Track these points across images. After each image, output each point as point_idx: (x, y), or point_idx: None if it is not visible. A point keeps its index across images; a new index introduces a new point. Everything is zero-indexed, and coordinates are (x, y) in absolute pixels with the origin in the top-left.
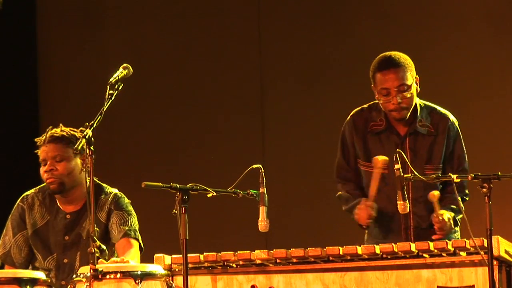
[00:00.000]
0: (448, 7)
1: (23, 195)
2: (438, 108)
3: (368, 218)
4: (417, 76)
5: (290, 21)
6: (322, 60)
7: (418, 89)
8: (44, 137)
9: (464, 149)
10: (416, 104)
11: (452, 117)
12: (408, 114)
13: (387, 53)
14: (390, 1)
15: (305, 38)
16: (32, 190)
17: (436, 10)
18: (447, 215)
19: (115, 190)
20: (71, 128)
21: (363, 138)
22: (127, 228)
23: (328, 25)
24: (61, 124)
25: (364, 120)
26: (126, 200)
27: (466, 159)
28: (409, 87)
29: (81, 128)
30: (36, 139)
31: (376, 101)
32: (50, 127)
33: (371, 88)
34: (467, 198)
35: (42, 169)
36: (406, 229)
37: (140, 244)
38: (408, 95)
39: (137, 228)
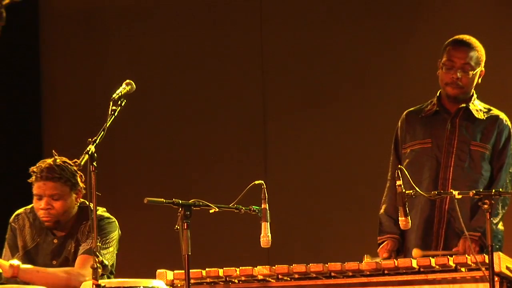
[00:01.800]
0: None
1: (14, 213)
2: (494, 109)
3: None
4: (483, 69)
5: (293, 37)
6: (325, 76)
7: (479, 81)
8: (40, 171)
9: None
10: (473, 96)
11: (507, 118)
12: (461, 97)
13: (467, 35)
14: (394, 15)
15: (308, 53)
16: (23, 210)
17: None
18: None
19: (100, 212)
20: (65, 160)
21: (414, 125)
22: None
23: (332, 40)
24: (56, 155)
25: (416, 114)
26: (108, 220)
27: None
28: (473, 69)
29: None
30: (31, 171)
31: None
32: (54, 158)
33: (372, 105)
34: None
35: (37, 204)
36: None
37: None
38: (469, 75)
39: (108, 263)
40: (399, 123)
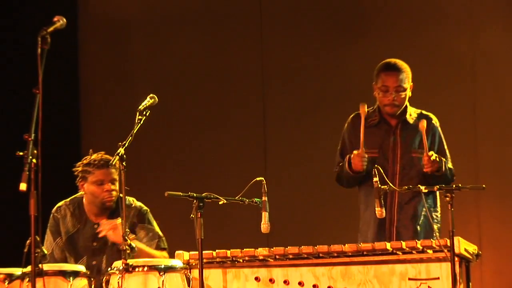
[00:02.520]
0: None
1: (56, 206)
2: (424, 112)
3: (362, 162)
4: (412, 84)
5: (292, 39)
6: (322, 78)
7: (410, 94)
8: (100, 161)
9: (445, 145)
10: (407, 106)
11: (435, 119)
12: (398, 112)
13: (393, 59)
14: (391, 22)
15: (306, 56)
16: (63, 202)
17: None
18: (435, 155)
19: (137, 203)
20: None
21: (359, 132)
22: (157, 241)
23: (330, 43)
24: (93, 151)
25: (360, 120)
26: (146, 210)
27: (447, 151)
28: (405, 89)
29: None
30: (87, 162)
31: (372, 108)
32: (99, 153)
33: (372, 102)
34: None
35: (99, 189)
36: (392, 203)
37: (166, 248)
38: (402, 96)
39: (161, 234)
40: (346, 126)
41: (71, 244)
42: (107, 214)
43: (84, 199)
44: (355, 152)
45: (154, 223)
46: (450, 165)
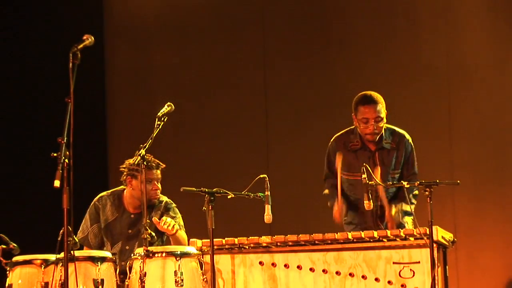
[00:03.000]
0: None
1: (99, 195)
2: (397, 129)
3: (340, 218)
4: (386, 111)
5: (293, 42)
6: (321, 80)
7: (385, 120)
8: (152, 162)
9: (415, 158)
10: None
11: (407, 136)
12: (378, 137)
13: (368, 92)
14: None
15: (307, 58)
16: (105, 193)
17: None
18: (394, 209)
19: (166, 199)
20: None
21: (345, 154)
22: (178, 228)
23: (328, 49)
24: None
25: (343, 142)
26: (174, 205)
27: (416, 166)
28: (382, 119)
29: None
30: (137, 162)
31: (352, 127)
32: (147, 155)
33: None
34: (417, 192)
35: (149, 186)
36: (376, 216)
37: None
38: (381, 125)
39: (182, 224)
40: (331, 147)
41: (109, 230)
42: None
43: (125, 192)
44: (335, 206)
45: (178, 215)
46: (415, 191)
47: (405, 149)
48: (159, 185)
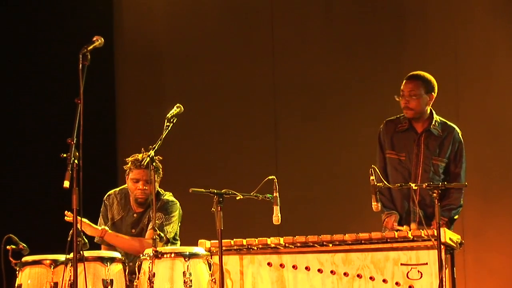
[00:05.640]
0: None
1: (107, 194)
2: (449, 122)
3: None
4: (433, 94)
5: (302, 44)
6: (328, 84)
7: (430, 103)
8: (139, 162)
9: (463, 159)
10: (433, 115)
11: (457, 129)
12: (416, 115)
13: (419, 71)
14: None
15: (315, 63)
16: (113, 191)
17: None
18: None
19: (168, 196)
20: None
21: (391, 136)
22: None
23: (337, 49)
24: (145, 151)
25: (393, 124)
26: (173, 204)
27: (464, 169)
28: (418, 95)
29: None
30: (130, 160)
31: (403, 114)
32: (143, 153)
33: (370, 109)
34: (457, 217)
35: (135, 186)
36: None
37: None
38: (415, 100)
39: (168, 229)
40: (381, 129)
41: (115, 229)
42: (146, 206)
43: None
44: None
45: (174, 214)
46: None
47: (453, 141)
48: (148, 187)
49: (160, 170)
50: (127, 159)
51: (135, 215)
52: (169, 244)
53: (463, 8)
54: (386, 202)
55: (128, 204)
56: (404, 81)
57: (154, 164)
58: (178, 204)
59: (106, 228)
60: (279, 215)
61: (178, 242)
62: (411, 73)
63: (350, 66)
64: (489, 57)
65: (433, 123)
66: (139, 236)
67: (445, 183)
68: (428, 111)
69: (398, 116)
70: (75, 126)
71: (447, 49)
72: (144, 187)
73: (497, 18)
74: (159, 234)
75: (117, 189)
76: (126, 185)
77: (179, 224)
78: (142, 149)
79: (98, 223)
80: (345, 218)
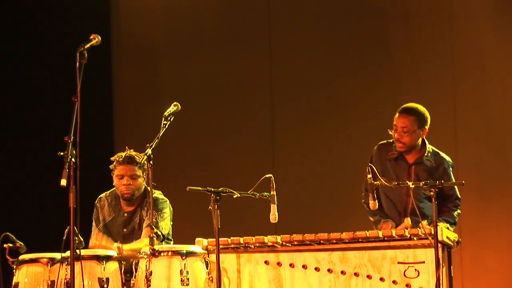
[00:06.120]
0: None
1: (98, 197)
2: (442, 153)
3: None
4: (426, 128)
5: (299, 43)
6: (325, 84)
7: (423, 136)
8: (122, 158)
9: (452, 175)
10: (426, 146)
11: (448, 158)
12: (407, 149)
13: (412, 104)
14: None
15: (312, 62)
16: (104, 194)
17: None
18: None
19: (158, 194)
20: (137, 153)
21: (383, 162)
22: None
23: (334, 50)
24: (129, 149)
25: (385, 150)
26: (163, 201)
27: (457, 189)
28: (411, 131)
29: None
30: (114, 158)
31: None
32: (127, 151)
33: (367, 108)
34: (459, 207)
35: (119, 182)
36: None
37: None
38: (407, 136)
39: (164, 219)
40: (373, 153)
41: (107, 230)
42: (136, 205)
43: None
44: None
45: (166, 211)
46: (456, 213)
47: (443, 171)
48: (135, 182)
49: (145, 166)
50: (111, 158)
51: (125, 214)
52: (164, 242)
53: (461, 6)
54: (382, 215)
55: (119, 205)
56: (397, 114)
57: (151, 162)
58: (168, 201)
59: (119, 245)
60: (276, 213)
61: (172, 242)
62: (404, 107)
63: (348, 65)
64: (486, 56)
65: (426, 154)
66: (131, 235)
67: (442, 181)
68: (420, 141)
69: (391, 141)
70: (72, 124)
71: (444, 48)
72: (129, 183)
73: (495, 16)
74: (156, 232)
75: (108, 192)
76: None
77: (171, 222)
78: (126, 147)
79: (93, 226)
80: (342, 216)
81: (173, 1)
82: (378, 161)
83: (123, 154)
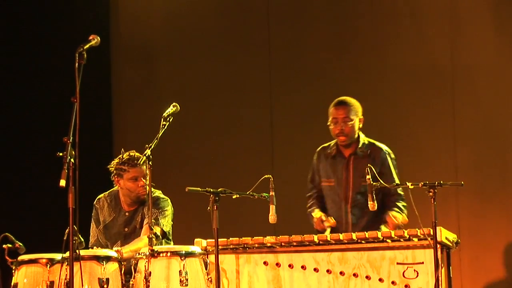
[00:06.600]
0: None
1: (97, 197)
2: (378, 143)
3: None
4: (362, 117)
5: (298, 43)
6: (327, 81)
7: (361, 126)
8: (134, 160)
9: (394, 173)
10: (359, 137)
11: (385, 148)
12: (349, 141)
13: (343, 97)
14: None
15: (311, 60)
16: (102, 195)
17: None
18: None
19: (158, 193)
20: (139, 154)
21: (323, 163)
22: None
23: (333, 49)
24: (125, 151)
25: (323, 152)
26: (164, 199)
27: (395, 177)
28: (351, 120)
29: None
30: (121, 161)
31: (334, 140)
32: (129, 152)
33: (367, 108)
34: (405, 204)
35: (134, 184)
36: (346, 224)
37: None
38: (349, 125)
39: (164, 216)
40: (315, 156)
41: (108, 231)
42: (138, 204)
43: (120, 192)
44: (322, 219)
45: (167, 209)
46: (399, 191)
47: (381, 160)
48: (146, 181)
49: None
50: (112, 163)
51: (127, 213)
52: (164, 241)
53: (461, 6)
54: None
55: (119, 205)
56: (333, 108)
57: (150, 163)
58: (169, 200)
59: (119, 248)
60: (275, 214)
61: (171, 243)
62: (339, 99)
63: (348, 65)
64: (485, 56)
65: (360, 145)
66: (132, 234)
67: (441, 182)
68: (356, 134)
69: (329, 143)
70: (71, 125)
71: (443, 47)
72: (143, 184)
73: (494, 17)
74: (155, 233)
75: (106, 193)
76: (114, 188)
77: (172, 222)
78: (122, 150)
79: (91, 226)
80: None
81: (172, 2)
82: (319, 163)
83: (127, 156)
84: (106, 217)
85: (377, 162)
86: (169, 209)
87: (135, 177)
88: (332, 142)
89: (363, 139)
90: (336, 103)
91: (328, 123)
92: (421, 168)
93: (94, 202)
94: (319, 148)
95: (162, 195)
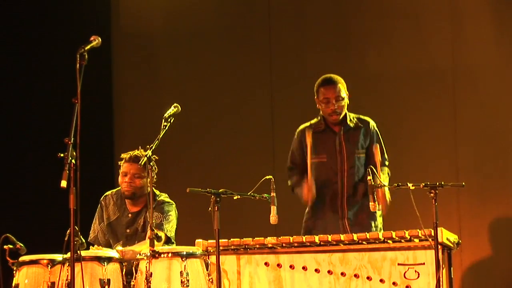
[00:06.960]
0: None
1: (104, 194)
2: (363, 116)
3: (311, 195)
4: (347, 93)
5: (299, 44)
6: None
7: (348, 101)
8: (129, 156)
9: (383, 144)
10: (346, 113)
11: (372, 122)
12: (341, 117)
13: (327, 75)
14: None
15: (312, 61)
16: (110, 192)
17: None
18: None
19: (164, 197)
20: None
21: (311, 140)
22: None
23: (334, 50)
24: (140, 148)
25: (308, 129)
26: (169, 203)
27: (385, 152)
28: (343, 98)
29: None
30: (123, 155)
31: (316, 118)
32: (136, 150)
33: (367, 108)
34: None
35: (122, 179)
36: (342, 197)
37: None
38: (342, 104)
39: (168, 221)
40: (297, 136)
41: (111, 229)
42: (142, 206)
43: None
44: (305, 188)
45: (171, 213)
46: (386, 169)
47: (370, 132)
48: (138, 181)
49: (154, 172)
50: (123, 155)
51: (130, 215)
52: (174, 244)
53: (462, 6)
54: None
55: (124, 205)
56: (322, 88)
57: (151, 163)
58: (174, 205)
59: (120, 248)
60: (276, 215)
61: (174, 245)
62: (327, 77)
63: (348, 64)
64: (487, 56)
65: (349, 119)
66: (134, 236)
67: (442, 182)
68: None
69: (310, 122)
70: (72, 126)
71: (444, 48)
72: (130, 181)
73: (495, 18)
74: (157, 234)
75: (114, 190)
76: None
77: (176, 226)
78: (139, 147)
79: (93, 224)
80: None
81: (173, 2)
82: (304, 142)
83: (132, 152)
84: (110, 215)
85: (369, 132)
86: (173, 214)
87: (124, 172)
88: (315, 120)
89: (348, 113)
90: (324, 82)
91: (317, 103)
92: (422, 168)
93: (101, 199)
94: (301, 127)
95: (167, 199)
